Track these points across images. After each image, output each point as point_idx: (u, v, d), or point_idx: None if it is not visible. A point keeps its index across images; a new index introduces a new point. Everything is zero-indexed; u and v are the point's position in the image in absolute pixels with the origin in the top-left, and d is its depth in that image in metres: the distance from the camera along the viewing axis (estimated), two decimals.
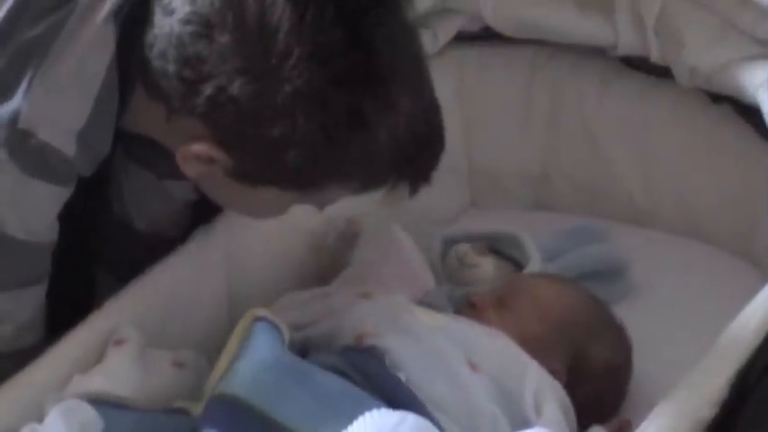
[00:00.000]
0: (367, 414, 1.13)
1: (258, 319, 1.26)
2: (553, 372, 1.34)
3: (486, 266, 1.58)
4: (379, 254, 1.52)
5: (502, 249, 1.61)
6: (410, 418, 1.13)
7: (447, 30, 1.70)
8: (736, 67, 1.54)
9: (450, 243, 1.63)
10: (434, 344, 1.29)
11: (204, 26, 1.15)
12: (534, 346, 1.36)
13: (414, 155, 1.21)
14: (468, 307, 1.44)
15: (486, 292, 1.47)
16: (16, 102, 1.20)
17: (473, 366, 1.28)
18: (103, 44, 1.22)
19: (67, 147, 1.22)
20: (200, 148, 1.19)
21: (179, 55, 1.17)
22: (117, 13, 1.22)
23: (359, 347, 1.28)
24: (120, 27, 1.22)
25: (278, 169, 1.19)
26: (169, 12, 1.18)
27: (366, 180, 1.23)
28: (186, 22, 1.16)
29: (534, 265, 1.56)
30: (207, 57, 1.15)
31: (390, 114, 1.17)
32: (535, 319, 1.41)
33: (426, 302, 1.43)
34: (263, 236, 1.48)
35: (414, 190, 1.26)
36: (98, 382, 1.20)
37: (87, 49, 1.21)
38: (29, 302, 1.32)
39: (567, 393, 1.32)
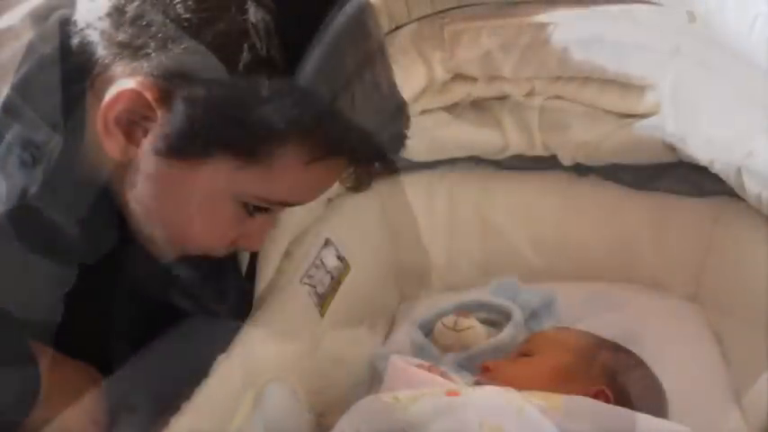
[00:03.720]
0: None
1: None
2: (597, 395, 1.30)
3: (478, 325, 1.64)
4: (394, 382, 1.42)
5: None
6: None
7: None
8: (607, 140, 1.80)
9: (427, 326, 1.69)
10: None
11: None
12: (569, 375, 1.33)
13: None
14: (482, 374, 1.39)
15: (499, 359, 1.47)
16: None
17: None
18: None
19: None
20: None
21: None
22: None
23: None
24: None
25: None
26: None
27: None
28: None
29: (516, 316, 1.66)
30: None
31: None
32: (561, 351, 1.38)
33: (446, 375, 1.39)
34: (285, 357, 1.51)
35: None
36: None
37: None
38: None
39: None
